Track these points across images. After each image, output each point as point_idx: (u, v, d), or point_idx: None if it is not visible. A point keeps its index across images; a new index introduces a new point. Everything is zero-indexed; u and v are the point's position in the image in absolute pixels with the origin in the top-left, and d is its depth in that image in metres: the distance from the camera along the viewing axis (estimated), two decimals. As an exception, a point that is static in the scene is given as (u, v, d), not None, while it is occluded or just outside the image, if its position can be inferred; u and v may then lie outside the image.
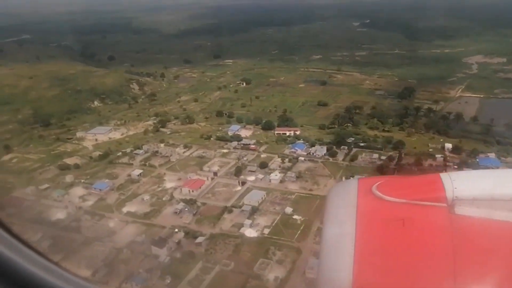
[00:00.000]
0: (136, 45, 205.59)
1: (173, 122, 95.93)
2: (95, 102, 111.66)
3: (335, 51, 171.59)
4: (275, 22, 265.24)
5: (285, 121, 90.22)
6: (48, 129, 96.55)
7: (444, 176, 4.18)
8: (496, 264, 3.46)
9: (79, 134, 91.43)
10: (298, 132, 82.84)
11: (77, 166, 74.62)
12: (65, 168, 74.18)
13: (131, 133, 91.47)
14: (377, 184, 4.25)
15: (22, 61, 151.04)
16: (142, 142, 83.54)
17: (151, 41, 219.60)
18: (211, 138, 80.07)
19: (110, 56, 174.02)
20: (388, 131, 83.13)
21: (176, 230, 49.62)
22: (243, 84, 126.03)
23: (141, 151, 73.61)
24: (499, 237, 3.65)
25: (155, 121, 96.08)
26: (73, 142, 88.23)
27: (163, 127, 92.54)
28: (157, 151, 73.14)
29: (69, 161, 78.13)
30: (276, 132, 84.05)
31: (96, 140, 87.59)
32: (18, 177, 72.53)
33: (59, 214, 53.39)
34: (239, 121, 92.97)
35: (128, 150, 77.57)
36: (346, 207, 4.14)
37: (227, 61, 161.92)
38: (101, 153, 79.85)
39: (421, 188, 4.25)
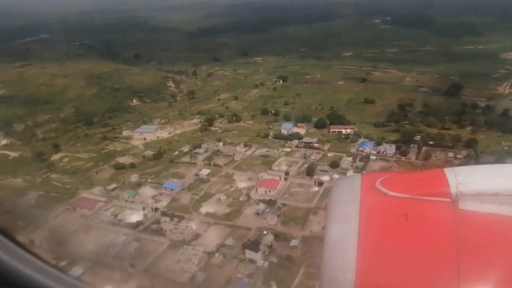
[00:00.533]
0: (158, 44, 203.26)
1: (219, 120, 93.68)
2: (134, 100, 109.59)
3: (365, 48, 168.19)
4: (294, 20, 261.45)
5: (336, 119, 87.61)
6: (92, 127, 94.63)
7: (448, 171, 4.11)
8: (501, 259, 3.40)
9: (125, 133, 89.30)
10: (354, 130, 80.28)
11: (132, 166, 72.51)
12: (120, 168, 72.13)
13: (178, 132, 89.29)
14: (380, 179, 4.20)
15: (50, 60, 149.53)
16: (194, 141, 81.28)
17: (173, 39, 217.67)
18: (269, 137, 77.67)
19: (136, 55, 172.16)
20: (447, 129, 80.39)
21: (265, 232, 47.24)
22: (279, 81, 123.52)
23: (201, 150, 71.23)
24: (503, 233, 3.59)
25: (201, 120, 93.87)
26: (121, 141, 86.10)
27: (210, 125, 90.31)
28: (218, 150, 70.76)
29: (122, 160, 76.10)
30: (331, 130, 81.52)
31: (145, 139, 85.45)
32: (75, 177, 70.60)
33: (136, 216, 51.15)
34: (287, 119, 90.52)
35: (185, 149, 75.32)
36: (349, 202, 4.07)
37: (256, 58, 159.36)
38: (154, 152, 77.78)
39: (425, 183, 4.19)
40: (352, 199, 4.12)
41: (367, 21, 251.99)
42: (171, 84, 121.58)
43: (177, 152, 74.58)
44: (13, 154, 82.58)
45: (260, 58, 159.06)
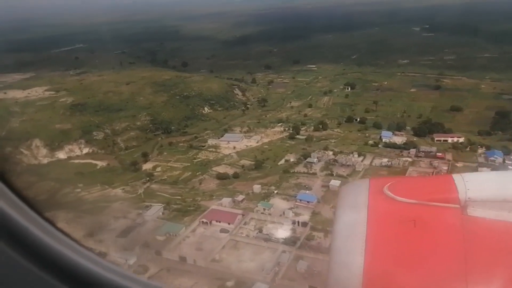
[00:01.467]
0: (200, 52, 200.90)
1: (302, 128, 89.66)
2: (205, 108, 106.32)
3: (419, 55, 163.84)
4: (329, 28, 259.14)
5: (433, 127, 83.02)
6: (171, 136, 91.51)
7: (456, 177, 4.11)
8: (510, 266, 3.37)
9: (210, 141, 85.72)
10: (461, 139, 75.52)
11: (236, 176, 68.56)
12: (224, 178, 68.26)
13: (265, 140, 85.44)
14: (388, 184, 4.19)
15: (103, 68, 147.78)
16: (290, 150, 77.36)
17: (213, 47, 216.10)
18: (379, 146, 73.29)
19: (183, 63, 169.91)
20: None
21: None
22: (348, 88, 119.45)
23: (314, 160, 66.94)
24: None
25: (284, 128, 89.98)
26: (209, 149, 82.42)
27: (297, 133, 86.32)
28: (334, 160, 66.41)
29: (220, 169, 72.30)
30: (436, 138, 76.85)
31: (234, 147, 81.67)
32: (178, 187, 66.80)
33: (284, 231, 46.83)
34: (377, 127, 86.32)
35: (291, 158, 71.21)
36: (356, 207, 4.05)
37: (309, 66, 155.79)
38: (251, 161, 73.95)
39: (433, 189, 4.19)
40: (360, 204, 4.04)
41: (406, 29, 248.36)
42: (237, 91, 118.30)
43: (282, 162, 70.51)
44: (100, 163, 79.34)
45: (314, 66, 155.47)
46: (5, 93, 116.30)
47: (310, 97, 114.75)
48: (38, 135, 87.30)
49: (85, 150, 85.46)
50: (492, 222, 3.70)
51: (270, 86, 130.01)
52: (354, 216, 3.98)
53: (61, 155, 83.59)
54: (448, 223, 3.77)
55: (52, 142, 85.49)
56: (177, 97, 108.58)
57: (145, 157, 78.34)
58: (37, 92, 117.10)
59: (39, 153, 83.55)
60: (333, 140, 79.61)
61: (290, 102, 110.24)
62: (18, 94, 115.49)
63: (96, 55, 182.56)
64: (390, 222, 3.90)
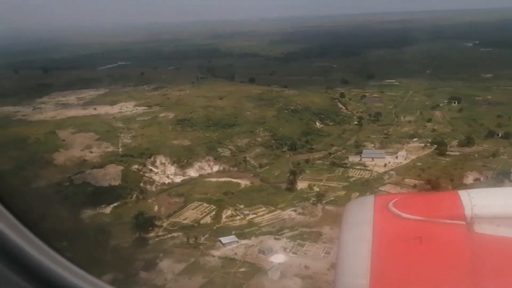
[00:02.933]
0: (256, 68, 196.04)
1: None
2: (317, 123, 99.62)
3: (497, 69, 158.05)
4: (375, 45, 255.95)
5: None
6: (299, 152, 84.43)
7: (462, 193, 4.04)
8: None
9: (351, 158, 78.51)
10: None
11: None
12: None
13: (412, 157, 78.22)
14: (394, 201, 4.14)
15: (175, 83, 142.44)
16: (455, 167, 70.06)
17: (266, 63, 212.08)
18: None
19: (250, 78, 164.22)
20: None
21: None
22: (455, 103, 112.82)
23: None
24: None
25: (426, 144, 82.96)
26: (356, 167, 75.11)
27: (444, 150, 79.14)
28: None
29: (389, 189, 64.83)
30: None
31: (385, 165, 74.42)
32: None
33: None
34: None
35: (473, 177, 63.89)
36: (362, 224, 3.98)
37: (388, 81, 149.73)
38: (417, 180, 66.60)
39: (439, 206, 4.13)
40: (365, 220, 3.97)
41: (457, 44, 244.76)
42: (341, 106, 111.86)
43: (470, 181, 63.06)
44: (241, 182, 72.02)
45: (393, 81, 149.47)
46: (95, 108, 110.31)
47: (417, 111, 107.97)
48: (160, 152, 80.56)
49: (215, 168, 78.38)
50: (499, 239, 3.53)
51: (363, 101, 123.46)
52: (359, 233, 3.86)
53: (192, 172, 76.48)
54: (455, 240, 3.64)
55: (179, 159, 78.54)
56: (285, 111, 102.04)
57: (293, 175, 70.88)
58: (127, 107, 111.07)
59: (166, 171, 76.52)
60: (503, 156, 72.25)
61: (404, 117, 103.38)
62: (109, 109, 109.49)
63: (159, 71, 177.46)
64: (395, 239, 3.78)
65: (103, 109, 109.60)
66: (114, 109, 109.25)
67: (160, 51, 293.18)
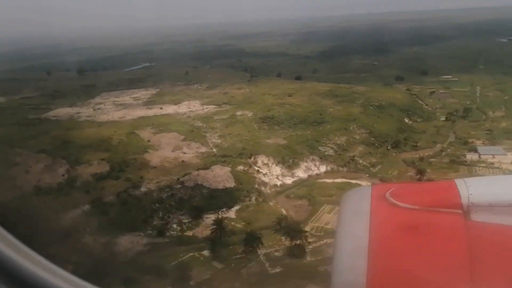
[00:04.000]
0: (294, 66, 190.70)
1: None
2: (405, 119, 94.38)
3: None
4: (404, 42, 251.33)
5: None
6: (403, 150, 79.20)
7: (459, 182, 4.09)
8: None
9: (469, 156, 73.28)
10: None
11: None
12: None
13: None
14: (391, 190, 4.18)
15: (228, 82, 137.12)
16: None
17: (301, 62, 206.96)
18: None
19: (298, 76, 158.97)
20: None
21: None
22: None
23: None
24: None
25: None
26: (480, 165, 69.89)
27: None
28: None
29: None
30: None
31: None
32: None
33: None
34: None
35: None
36: (359, 213, 4.03)
37: (445, 77, 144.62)
38: None
39: (436, 194, 4.14)
40: (362, 210, 3.99)
41: (493, 40, 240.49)
42: (421, 102, 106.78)
43: None
44: (362, 183, 66.37)
45: (450, 76, 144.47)
46: (161, 108, 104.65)
47: (502, 106, 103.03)
48: (258, 152, 74.98)
49: (322, 168, 72.84)
50: (496, 227, 3.57)
51: (432, 97, 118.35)
52: (356, 223, 3.86)
53: (300, 173, 70.92)
54: (452, 228, 3.67)
55: (283, 159, 72.96)
56: (370, 107, 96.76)
57: (421, 174, 65.46)
58: (195, 106, 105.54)
59: (272, 171, 70.90)
60: None
61: (493, 112, 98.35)
62: (177, 109, 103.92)
63: (200, 70, 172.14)
64: (392, 228, 3.81)
65: (170, 109, 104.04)
66: (181, 108, 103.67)
67: (182, 52, 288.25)
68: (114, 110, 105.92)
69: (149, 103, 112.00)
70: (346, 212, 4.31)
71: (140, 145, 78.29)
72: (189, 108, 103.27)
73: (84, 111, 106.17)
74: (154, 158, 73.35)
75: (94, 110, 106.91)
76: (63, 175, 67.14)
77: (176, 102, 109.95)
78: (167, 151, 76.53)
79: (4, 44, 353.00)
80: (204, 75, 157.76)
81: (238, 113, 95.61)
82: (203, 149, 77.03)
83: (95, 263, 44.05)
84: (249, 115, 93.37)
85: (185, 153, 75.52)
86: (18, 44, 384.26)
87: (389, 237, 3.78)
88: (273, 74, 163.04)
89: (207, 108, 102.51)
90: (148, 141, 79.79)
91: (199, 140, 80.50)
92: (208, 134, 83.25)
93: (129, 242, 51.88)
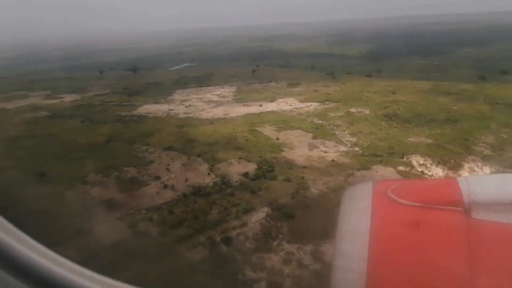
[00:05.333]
0: (351, 67, 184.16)
1: None
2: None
3: None
4: (451, 44, 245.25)
5: None
6: None
7: (460, 179, 4.06)
8: None
9: None
10: None
11: None
12: None
13: None
14: (392, 187, 4.13)
15: (306, 80, 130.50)
16: None
17: (357, 63, 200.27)
18: None
19: (368, 75, 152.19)
20: None
21: None
22: None
23: None
24: None
25: None
26: None
27: None
28: None
29: None
30: None
31: None
32: None
33: None
34: None
35: None
36: (360, 210, 3.96)
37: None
38: None
39: (437, 192, 4.11)
40: (363, 207, 3.98)
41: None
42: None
43: None
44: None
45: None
46: (260, 105, 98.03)
47: None
48: (406, 151, 67.93)
49: (486, 169, 65.62)
50: (498, 225, 3.54)
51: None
52: (357, 220, 3.85)
53: (466, 174, 63.72)
54: (453, 226, 3.66)
55: (442, 159, 65.82)
56: (496, 105, 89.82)
57: None
58: (295, 103, 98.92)
59: (434, 172, 63.77)
60: None
61: None
62: (275, 106, 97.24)
63: (262, 69, 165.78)
64: (393, 225, 3.81)
65: (269, 106, 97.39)
66: (282, 106, 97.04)
67: (215, 53, 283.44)
68: (209, 107, 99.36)
69: (239, 100, 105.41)
70: (347, 209, 4.09)
71: (270, 143, 71.47)
72: (290, 105, 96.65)
73: (175, 108, 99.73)
74: (295, 157, 66.35)
75: (186, 107, 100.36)
76: (209, 174, 60.24)
77: (270, 100, 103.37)
78: (304, 149, 69.59)
79: (43, 43, 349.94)
80: (270, 74, 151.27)
81: (352, 110, 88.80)
82: (343, 148, 69.98)
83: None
84: (366, 112, 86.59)
85: (326, 152, 68.43)
86: (51, 44, 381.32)
87: (390, 234, 3.64)
88: (338, 73, 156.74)
89: (310, 105, 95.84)
90: (277, 139, 72.98)
91: (331, 138, 73.60)
92: (337, 132, 76.34)
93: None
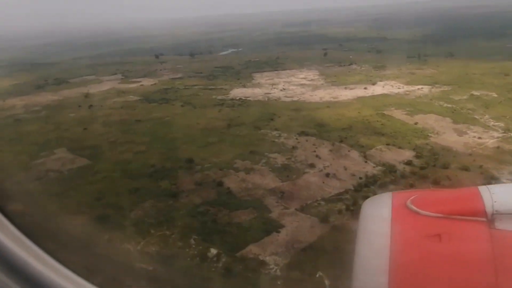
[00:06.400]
0: (418, 49, 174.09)
1: None
2: None
3: None
4: (504, 27, 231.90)
5: None
6: None
7: (482, 189, 3.92)
8: None
9: None
10: None
11: None
12: None
13: None
14: (412, 198, 4.02)
15: (389, 63, 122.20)
16: None
17: (408, 46, 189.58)
18: None
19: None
20: None
21: None
22: None
23: None
24: None
25: None
26: None
27: None
28: None
29: None
30: None
31: None
32: None
33: None
34: None
35: None
36: (380, 222, 3.87)
37: None
38: None
39: (459, 202, 3.99)
40: (383, 218, 3.90)
41: None
42: None
43: None
44: None
45: None
46: (365, 88, 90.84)
47: None
48: None
49: None
50: None
51: None
52: (377, 232, 3.76)
53: None
54: (475, 237, 3.51)
55: None
56: None
57: None
58: (402, 87, 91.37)
59: None
60: None
61: None
62: (383, 89, 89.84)
63: (330, 53, 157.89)
64: (414, 237, 3.69)
65: (375, 89, 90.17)
66: (390, 89, 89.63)
67: (256, 39, 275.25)
68: (306, 90, 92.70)
69: (335, 84, 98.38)
70: (367, 221, 3.99)
71: (410, 128, 64.54)
72: (398, 88, 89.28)
73: (270, 92, 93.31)
74: (449, 143, 59.31)
75: (281, 90, 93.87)
76: (365, 162, 53.76)
77: (370, 82, 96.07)
78: (451, 135, 62.47)
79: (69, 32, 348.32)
80: (341, 57, 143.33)
81: (476, 93, 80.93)
82: (496, 134, 62.65)
83: None
84: (494, 95, 78.68)
85: (480, 138, 61.23)
86: (81, 32, 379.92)
87: (410, 245, 3.55)
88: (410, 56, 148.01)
89: (422, 87, 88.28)
90: (415, 123, 65.98)
91: (474, 123, 66.22)
92: (476, 116, 68.85)
93: None
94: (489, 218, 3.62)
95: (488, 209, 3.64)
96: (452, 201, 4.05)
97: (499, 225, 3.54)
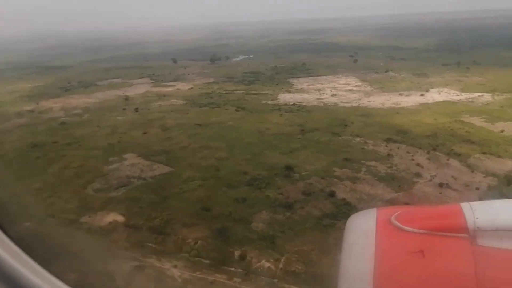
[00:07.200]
0: (437, 59, 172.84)
1: None
2: None
3: None
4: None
5: None
6: None
7: (465, 205, 3.90)
8: None
9: None
10: None
11: None
12: None
13: None
14: (396, 214, 3.99)
15: (427, 71, 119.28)
16: None
17: (426, 55, 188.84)
18: None
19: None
20: None
21: None
22: None
23: None
24: None
25: None
26: None
27: None
28: None
29: None
30: None
31: None
32: None
33: None
34: None
35: None
36: (364, 237, 3.84)
37: None
38: None
39: (442, 219, 3.95)
40: (367, 234, 3.83)
41: None
42: None
43: None
44: None
45: None
46: (422, 94, 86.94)
47: None
48: None
49: None
50: (503, 252, 3.37)
51: None
52: (362, 247, 3.70)
53: None
54: (457, 253, 3.48)
55: None
56: None
57: None
58: (457, 95, 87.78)
59: None
60: None
61: None
62: (438, 97, 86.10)
63: (369, 61, 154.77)
64: (397, 252, 3.64)
65: (433, 96, 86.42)
66: (449, 96, 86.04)
67: (264, 46, 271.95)
68: (357, 96, 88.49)
69: (385, 90, 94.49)
70: (351, 236, 3.99)
71: (498, 136, 60.56)
72: (457, 95, 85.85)
73: (320, 97, 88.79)
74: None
75: (332, 96, 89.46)
76: (472, 172, 49.29)
77: (423, 89, 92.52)
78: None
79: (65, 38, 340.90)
80: (371, 64, 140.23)
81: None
82: None
83: None
84: None
85: None
86: (80, 37, 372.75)
87: (394, 261, 3.51)
88: (434, 64, 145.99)
89: (482, 95, 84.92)
90: (502, 131, 62.09)
91: None
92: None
93: None
94: (471, 235, 3.55)
95: (470, 225, 3.55)
96: (435, 218, 3.95)
97: (481, 241, 3.49)
